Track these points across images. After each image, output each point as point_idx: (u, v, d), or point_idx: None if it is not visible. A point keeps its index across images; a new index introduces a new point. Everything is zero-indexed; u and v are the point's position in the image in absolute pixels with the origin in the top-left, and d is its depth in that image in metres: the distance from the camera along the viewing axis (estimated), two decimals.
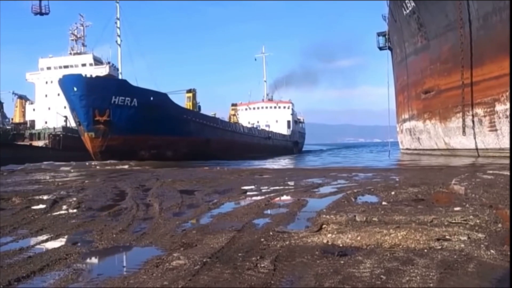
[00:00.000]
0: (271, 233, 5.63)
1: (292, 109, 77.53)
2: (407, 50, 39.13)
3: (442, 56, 32.05)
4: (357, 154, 56.85)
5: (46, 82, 49.76)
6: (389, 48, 47.57)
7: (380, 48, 49.86)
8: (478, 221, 5.66)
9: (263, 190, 11.35)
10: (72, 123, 42.55)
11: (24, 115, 52.39)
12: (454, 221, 5.69)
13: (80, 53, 50.66)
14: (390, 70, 46.77)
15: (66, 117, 45.22)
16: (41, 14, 48.55)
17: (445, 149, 33.43)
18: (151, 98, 38.25)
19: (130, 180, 15.44)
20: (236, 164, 29.78)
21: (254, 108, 76.28)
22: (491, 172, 13.32)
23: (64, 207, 8.71)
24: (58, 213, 8.01)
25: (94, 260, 4.92)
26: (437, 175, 13.99)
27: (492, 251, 4.37)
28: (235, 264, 4.24)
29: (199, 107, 53.57)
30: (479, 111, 27.70)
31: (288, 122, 76.17)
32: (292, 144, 76.86)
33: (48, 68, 50.31)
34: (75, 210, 8.25)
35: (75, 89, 35.15)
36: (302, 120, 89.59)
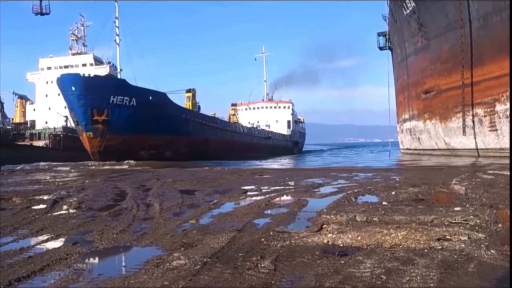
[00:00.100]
0: (271, 233, 5.63)
1: (292, 109, 77.49)
2: (408, 50, 39.12)
3: (442, 56, 32.04)
4: (357, 154, 56.83)
5: (47, 82, 49.75)
6: (390, 48, 47.56)
7: (381, 48, 49.85)
8: (478, 221, 5.66)
9: (264, 190, 11.36)
10: (72, 123, 42.56)
11: (24, 115, 52.40)
12: (454, 221, 5.69)
13: (80, 53, 50.66)
14: (391, 70, 46.80)
15: (66, 117, 45.20)
16: (42, 14, 48.53)
17: (445, 149, 33.43)
18: (150, 98, 38.13)
19: (130, 180, 15.44)
20: (236, 164, 29.77)
21: (254, 108, 76.22)
22: (491, 172, 13.32)
23: (65, 207, 8.71)
24: (58, 213, 8.02)
25: (95, 260, 4.92)
26: (438, 175, 13.99)
27: (492, 251, 4.37)
28: (235, 264, 4.24)
29: (199, 107, 53.53)
30: (479, 111, 27.69)
31: (288, 122, 76.12)
32: (292, 144, 76.83)
33: (49, 68, 50.31)
34: (75, 210, 8.26)
35: (73, 88, 35.02)
36: (302, 120, 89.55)
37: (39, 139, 45.60)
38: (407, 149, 43.41)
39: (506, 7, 24.30)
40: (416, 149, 40.10)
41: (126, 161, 33.06)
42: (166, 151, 37.97)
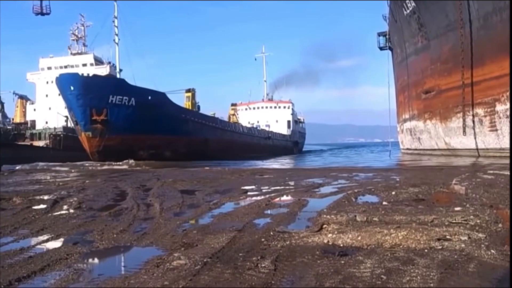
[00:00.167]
0: (271, 233, 5.63)
1: (292, 109, 77.47)
2: (408, 50, 39.12)
3: (442, 56, 32.03)
4: (357, 154, 56.81)
5: (47, 82, 49.74)
6: (390, 48, 47.55)
7: (381, 48, 49.84)
8: (478, 221, 5.66)
9: (264, 190, 11.36)
10: (72, 123, 42.52)
11: (25, 115, 52.40)
12: (454, 221, 5.69)
13: (81, 53, 50.66)
14: (391, 70, 46.78)
15: (67, 117, 45.19)
16: (42, 14, 48.54)
17: (445, 149, 33.42)
18: (149, 98, 38.08)
19: (130, 180, 15.45)
20: (236, 164, 29.77)
21: (254, 108, 76.20)
22: (491, 172, 13.32)
23: (65, 207, 8.72)
24: (58, 213, 8.02)
25: (95, 260, 4.93)
26: (438, 175, 13.99)
27: (492, 251, 4.37)
28: (235, 264, 4.24)
29: (198, 107, 53.52)
30: (480, 111, 27.69)
31: (288, 122, 76.10)
32: (292, 144, 76.82)
33: (49, 68, 50.30)
34: (75, 210, 8.26)
35: (72, 88, 34.95)
36: (302, 120, 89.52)
37: (40, 139, 45.61)
38: (408, 149, 43.40)
39: (506, 7, 24.29)
40: (416, 149, 40.09)
41: (125, 161, 32.92)
42: (165, 151, 37.91)
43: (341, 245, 4.96)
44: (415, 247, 4.65)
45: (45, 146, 43.37)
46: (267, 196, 10.01)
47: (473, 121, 28.23)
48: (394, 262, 4.12)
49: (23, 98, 53.97)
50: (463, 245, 4.61)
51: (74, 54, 50.41)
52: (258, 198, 9.73)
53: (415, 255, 4.32)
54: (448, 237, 4.93)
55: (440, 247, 4.60)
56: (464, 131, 28.95)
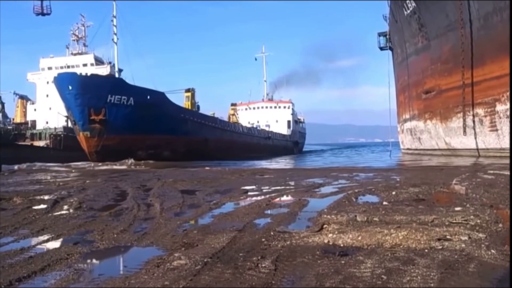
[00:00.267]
0: (272, 233, 5.64)
1: (293, 109, 77.42)
2: (408, 50, 39.12)
3: (442, 56, 32.04)
4: (358, 154, 56.80)
5: (47, 82, 49.70)
6: (390, 48, 47.54)
7: (381, 48, 49.83)
8: (478, 221, 5.66)
9: (264, 190, 11.36)
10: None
11: (25, 115, 52.39)
12: (455, 221, 5.69)
13: (81, 53, 50.65)
14: (391, 70, 46.78)
15: (67, 117, 45.18)
16: (43, 14, 48.50)
17: (446, 149, 33.42)
18: (148, 97, 37.92)
19: (131, 180, 15.45)
20: (236, 164, 29.78)
21: (254, 108, 76.12)
22: (491, 172, 13.33)
23: (65, 207, 8.73)
24: (59, 213, 8.02)
25: (95, 260, 4.93)
26: (438, 175, 13.99)
27: (492, 251, 4.37)
28: (236, 264, 4.24)
29: (198, 107, 53.44)
30: (480, 111, 27.69)
31: (288, 122, 76.04)
32: (292, 144, 76.77)
33: (49, 68, 50.28)
34: (76, 210, 8.26)
35: (70, 87, 34.77)
36: (302, 120, 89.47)
37: (40, 139, 45.59)
38: (408, 149, 43.40)
39: (506, 7, 24.29)
40: (416, 149, 40.09)
41: (123, 161, 32.79)
42: (164, 151, 37.72)
43: (342, 245, 4.96)
44: (415, 247, 4.65)
45: (45, 146, 43.36)
46: (268, 196, 10.01)
47: (474, 121, 28.24)
48: (395, 262, 4.12)
49: (24, 98, 53.96)
50: (463, 245, 4.61)
51: (75, 54, 50.41)
52: (259, 198, 9.74)
53: (416, 255, 4.32)
54: (448, 237, 4.93)
55: (440, 247, 4.60)
56: (465, 131, 28.96)
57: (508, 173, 11.96)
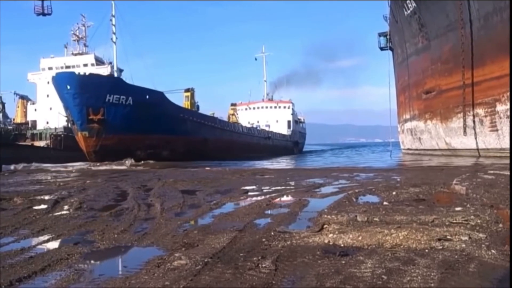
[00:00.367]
0: (272, 233, 5.64)
1: (293, 109, 77.40)
2: (408, 51, 39.11)
3: (443, 56, 32.03)
4: (358, 154, 56.77)
5: (48, 82, 49.64)
6: (390, 49, 47.53)
7: (381, 49, 49.83)
8: (479, 221, 5.66)
9: (265, 190, 11.36)
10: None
11: (25, 115, 52.40)
12: (455, 221, 5.69)
13: (82, 53, 50.66)
14: (391, 70, 46.77)
15: (67, 117, 45.21)
16: (44, 14, 48.49)
17: (446, 149, 33.41)
18: (147, 97, 37.81)
19: (131, 180, 15.45)
20: (236, 164, 29.77)
21: (254, 108, 76.08)
22: (492, 172, 13.32)
23: (66, 207, 8.73)
24: (59, 213, 8.03)
25: (96, 260, 4.92)
26: (438, 175, 13.99)
27: (493, 251, 4.37)
28: (236, 264, 4.25)
29: (198, 107, 53.38)
30: (480, 111, 27.69)
31: (288, 122, 76.01)
32: (292, 144, 76.75)
33: (50, 68, 50.27)
34: (76, 210, 8.26)
35: (69, 87, 34.65)
36: (302, 120, 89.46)
37: (40, 139, 45.60)
38: (408, 149, 43.39)
39: (506, 7, 24.29)
40: (417, 149, 40.09)
41: (121, 161, 32.66)
42: (163, 151, 37.61)
43: (342, 245, 4.96)
44: (415, 247, 4.65)
45: (46, 146, 43.37)
46: (268, 196, 10.01)
47: (474, 121, 28.23)
48: (395, 262, 4.12)
49: (24, 98, 53.98)
50: (463, 245, 4.62)
51: (75, 54, 50.43)
52: (259, 198, 9.74)
53: (416, 255, 4.32)
54: (448, 237, 4.93)
55: (440, 247, 4.60)
56: (465, 131, 28.95)
57: (508, 173, 11.96)
